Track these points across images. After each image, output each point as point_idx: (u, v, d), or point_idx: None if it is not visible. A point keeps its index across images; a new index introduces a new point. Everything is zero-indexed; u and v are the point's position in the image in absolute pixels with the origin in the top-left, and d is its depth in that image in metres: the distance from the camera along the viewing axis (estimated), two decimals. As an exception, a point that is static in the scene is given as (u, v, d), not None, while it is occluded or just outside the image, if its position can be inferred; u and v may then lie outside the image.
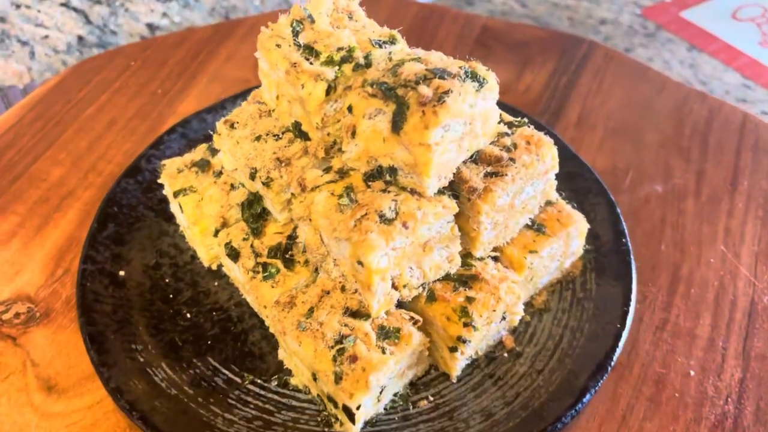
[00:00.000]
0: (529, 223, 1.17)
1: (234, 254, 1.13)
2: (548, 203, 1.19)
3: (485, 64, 1.01)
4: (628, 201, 1.45)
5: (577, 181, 1.37)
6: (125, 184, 1.36)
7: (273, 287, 1.08)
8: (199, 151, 1.28)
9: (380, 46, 1.07)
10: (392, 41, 1.08)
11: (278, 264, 1.10)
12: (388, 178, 1.01)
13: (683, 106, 1.67)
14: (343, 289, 1.05)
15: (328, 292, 1.05)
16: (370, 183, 1.02)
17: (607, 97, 1.70)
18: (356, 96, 0.99)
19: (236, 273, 1.15)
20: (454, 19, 1.92)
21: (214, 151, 1.26)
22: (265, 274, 1.09)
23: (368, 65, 1.05)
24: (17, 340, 1.21)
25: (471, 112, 0.99)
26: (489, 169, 1.05)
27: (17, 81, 1.93)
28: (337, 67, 1.03)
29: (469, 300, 1.06)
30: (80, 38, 2.11)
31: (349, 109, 1.00)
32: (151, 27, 2.11)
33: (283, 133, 1.12)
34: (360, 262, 0.97)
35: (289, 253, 1.11)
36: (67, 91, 1.69)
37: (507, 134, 1.10)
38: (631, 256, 1.24)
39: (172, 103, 1.68)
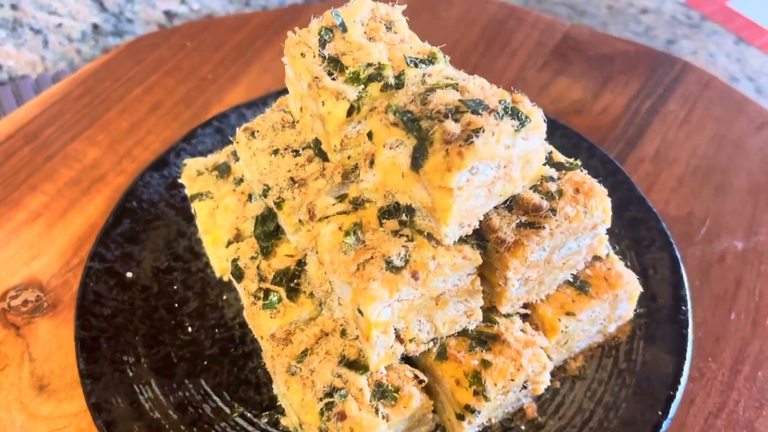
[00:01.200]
0: (571, 279, 1.01)
1: (238, 274, 1.04)
2: (596, 258, 1.03)
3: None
4: (700, 255, 1.27)
5: (639, 229, 1.20)
6: (149, 177, 1.29)
7: (272, 317, 0.99)
8: (224, 154, 1.20)
9: (416, 65, 0.94)
10: (431, 60, 0.95)
11: (281, 292, 1.01)
12: (404, 218, 0.89)
13: (784, 149, 1.45)
14: (343, 333, 0.94)
15: (327, 335, 0.95)
16: (383, 221, 0.90)
17: (694, 130, 1.49)
18: (377, 122, 0.87)
19: (240, 293, 1.06)
20: (533, 24, 1.74)
21: (238, 156, 1.17)
22: (266, 302, 1.00)
23: (399, 86, 0.92)
24: (20, 329, 1.17)
25: (507, 154, 0.85)
26: (524, 218, 0.91)
27: (30, 70, 1.90)
28: (362, 86, 0.91)
29: (485, 364, 0.93)
30: (95, 26, 2.06)
31: (369, 135, 0.88)
32: (168, 14, 2.03)
33: (303, 149, 1.01)
34: (360, 311, 0.86)
35: (295, 281, 1.01)
36: (117, 68, 1.65)
37: (552, 179, 0.95)
38: (690, 329, 1.07)
39: (221, 90, 1.61)
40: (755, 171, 1.40)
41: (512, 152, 0.85)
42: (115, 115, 1.55)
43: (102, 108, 1.56)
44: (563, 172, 0.97)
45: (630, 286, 1.02)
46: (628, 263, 1.13)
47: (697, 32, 2.30)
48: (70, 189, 1.39)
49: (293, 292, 1.00)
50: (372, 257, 0.85)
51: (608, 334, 1.09)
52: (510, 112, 0.84)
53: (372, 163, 0.89)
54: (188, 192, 1.16)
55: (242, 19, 1.80)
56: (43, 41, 1.96)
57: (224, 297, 1.17)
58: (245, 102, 1.44)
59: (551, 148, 1.01)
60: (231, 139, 1.34)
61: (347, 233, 0.89)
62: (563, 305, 1.00)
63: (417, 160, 0.83)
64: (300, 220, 0.98)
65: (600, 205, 0.94)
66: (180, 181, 1.19)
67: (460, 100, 0.84)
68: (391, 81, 0.92)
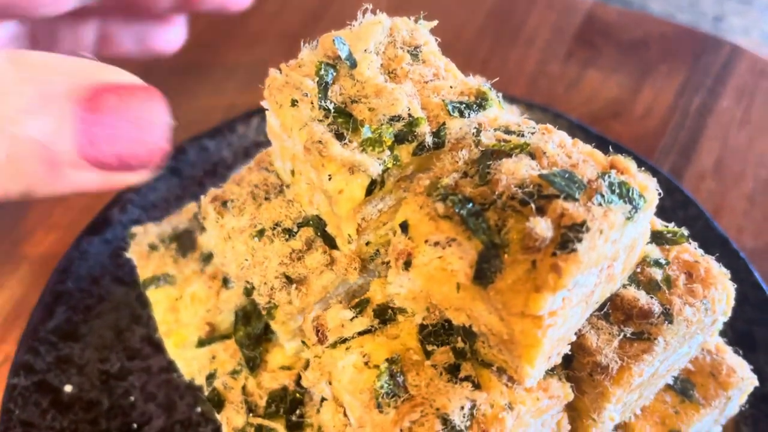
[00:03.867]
0: (670, 381, 0.75)
1: (217, 400, 0.76)
2: (700, 347, 0.77)
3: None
4: (791, 300, 1.02)
5: (727, 283, 0.94)
6: (87, 244, 0.98)
7: (270, 468, 0.71)
8: (185, 216, 0.89)
9: (461, 113, 0.64)
10: (481, 104, 0.65)
11: (280, 429, 0.73)
12: (460, 344, 0.61)
13: None
14: (376, 501, 0.67)
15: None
16: (429, 347, 0.62)
17: (757, 132, 1.23)
18: (416, 210, 0.58)
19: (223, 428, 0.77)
20: (549, 4, 1.44)
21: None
22: (260, 445, 0.72)
23: (438, 146, 0.63)
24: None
25: (614, 251, 0.58)
26: (629, 329, 0.64)
27: None
28: (387, 151, 0.61)
29: None
30: None
31: (404, 227, 0.59)
32: None
33: (299, 227, 0.72)
34: (408, 489, 0.58)
35: (298, 410, 0.73)
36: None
37: (659, 263, 0.68)
38: (814, 425, 0.82)
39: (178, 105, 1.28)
40: (839, 183, 1.16)
41: (618, 246, 0.58)
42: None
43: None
44: (666, 246, 0.70)
45: (745, 383, 0.77)
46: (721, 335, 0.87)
47: (749, 8, 2.00)
48: (-15, 255, 1.07)
49: (296, 429, 0.72)
50: (422, 415, 0.58)
51: (707, 435, 0.83)
52: (617, 190, 0.56)
53: (408, 264, 0.61)
54: (140, 274, 0.86)
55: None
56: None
57: (198, 409, 0.89)
58: (207, 130, 1.12)
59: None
60: (190, 183, 1.04)
61: (380, 374, 0.60)
62: (664, 420, 0.74)
63: (484, 272, 0.55)
64: (302, 341, 0.70)
65: (723, 296, 0.68)
66: (127, 255, 0.89)
67: (541, 176, 0.56)
68: (429, 140, 0.62)
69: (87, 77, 0.55)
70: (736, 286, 0.91)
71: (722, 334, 0.84)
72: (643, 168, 0.61)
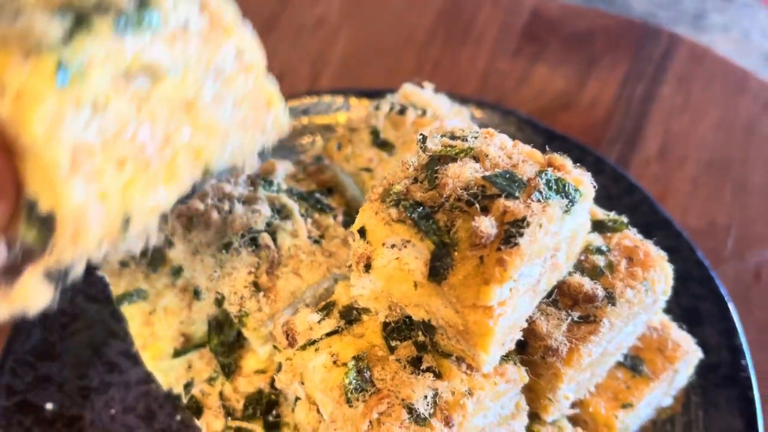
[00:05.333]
0: (620, 359, 0.81)
1: (196, 407, 0.79)
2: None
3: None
4: (734, 274, 1.09)
5: (672, 262, 1.00)
6: (58, 265, 1.00)
7: (251, 467, 0.75)
8: (153, 232, 0.92)
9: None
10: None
11: (258, 429, 0.76)
12: (421, 338, 0.66)
13: (800, 130, 1.28)
14: (352, 488, 0.71)
15: (331, 490, 0.71)
16: (392, 343, 0.66)
17: (697, 117, 1.30)
18: (372, 216, 0.62)
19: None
20: (495, 3, 1.49)
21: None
22: (240, 445, 0.75)
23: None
24: None
25: (555, 242, 0.62)
26: (576, 313, 0.69)
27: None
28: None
29: (538, 498, 0.72)
30: None
31: (362, 232, 0.64)
32: None
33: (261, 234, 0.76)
34: (378, 476, 0.62)
35: (275, 411, 0.77)
36: None
37: (600, 250, 0.73)
38: (755, 389, 0.88)
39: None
40: (774, 160, 1.23)
41: (559, 237, 0.63)
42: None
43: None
44: (608, 234, 0.75)
45: (690, 355, 0.83)
46: (667, 311, 0.93)
47: (729, 5, 2.07)
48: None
49: (274, 429, 0.76)
50: (389, 406, 0.62)
51: (658, 408, 0.89)
52: (554, 186, 0.61)
53: (368, 266, 0.65)
54: (113, 291, 0.89)
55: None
56: None
57: (177, 417, 0.92)
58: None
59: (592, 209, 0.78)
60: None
61: (348, 371, 0.64)
62: (617, 395, 0.80)
63: (437, 270, 0.59)
64: (274, 345, 0.73)
65: (662, 277, 0.73)
66: (99, 273, 0.92)
67: (484, 178, 0.60)
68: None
69: None
70: (680, 264, 0.97)
71: (669, 311, 0.90)
72: (578, 165, 0.66)
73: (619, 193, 1.07)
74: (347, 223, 0.81)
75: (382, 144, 0.84)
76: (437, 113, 0.86)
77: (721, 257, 1.11)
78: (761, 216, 1.16)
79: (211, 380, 0.81)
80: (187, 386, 0.82)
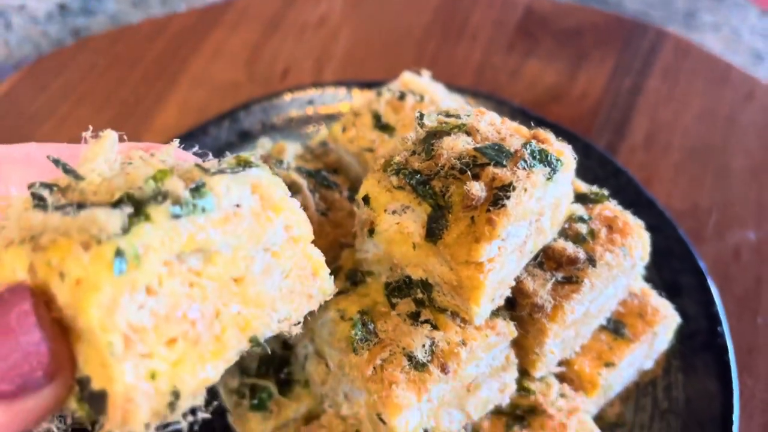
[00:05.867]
0: (604, 323, 0.88)
1: (213, 367, 0.86)
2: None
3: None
4: (714, 253, 1.16)
5: (655, 239, 1.07)
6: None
7: (265, 420, 0.82)
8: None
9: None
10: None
11: (270, 385, 0.83)
12: (419, 295, 0.73)
13: (778, 119, 1.35)
14: (357, 436, 0.78)
15: (337, 438, 0.78)
16: (394, 300, 0.73)
17: (681, 107, 1.37)
18: (375, 185, 0.69)
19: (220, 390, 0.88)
20: (490, 2, 1.57)
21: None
22: (254, 401, 0.82)
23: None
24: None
25: (539, 207, 0.69)
26: (560, 274, 0.76)
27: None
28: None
29: (527, 445, 0.79)
30: (62, 6, 1.80)
31: (366, 199, 0.71)
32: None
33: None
34: (382, 419, 0.69)
35: (286, 370, 0.84)
36: (17, 101, 1.39)
37: (582, 219, 0.80)
38: (730, 354, 0.95)
39: (149, 115, 1.38)
40: (753, 148, 1.30)
41: (543, 203, 0.70)
42: (25, 160, 1.30)
43: (7, 153, 1.31)
44: (590, 206, 0.82)
45: (669, 320, 0.90)
46: (651, 284, 1.00)
47: (719, 4, 2.14)
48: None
49: (286, 386, 0.83)
50: (390, 355, 0.69)
51: (641, 370, 0.96)
52: (538, 156, 0.68)
53: (372, 231, 0.72)
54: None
55: (157, 26, 1.55)
56: (5, 24, 1.70)
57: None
58: (185, 131, 1.22)
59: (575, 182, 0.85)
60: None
61: (354, 324, 0.71)
62: (600, 355, 0.87)
63: (433, 231, 0.66)
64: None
65: (639, 243, 0.80)
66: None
67: (475, 149, 0.68)
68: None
69: None
70: (662, 241, 1.04)
71: (654, 285, 0.97)
72: (561, 138, 0.73)
73: (605, 176, 1.14)
74: (352, 198, 0.88)
75: (384, 127, 0.91)
76: (434, 99, 0.93)
77: (702, 237, 1.18)
78: (740, 199, 1.23)
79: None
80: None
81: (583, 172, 0.93)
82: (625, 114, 1.36)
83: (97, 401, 0.47)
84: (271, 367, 0.84)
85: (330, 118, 1.22)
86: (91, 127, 0.53)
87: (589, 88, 1.41)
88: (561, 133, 1.18)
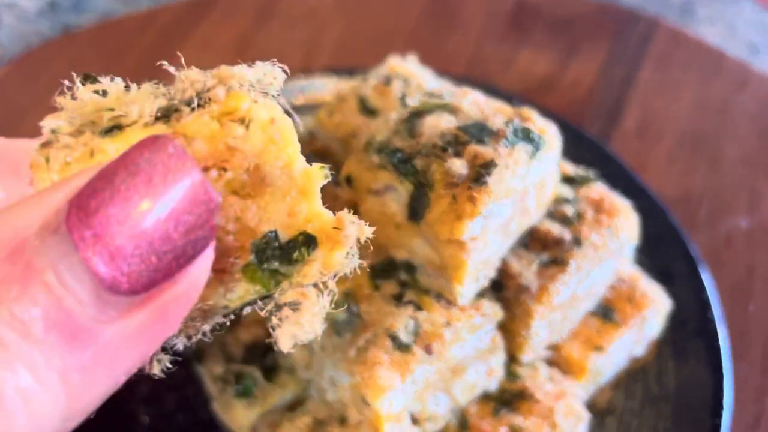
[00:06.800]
0: (592, 308, 0.87)
1: (197, 353, 0.85)
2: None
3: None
4: (706, 241, 1.15)
5: (646, 225, 1.06)
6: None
7: (249, 406, 0.81)
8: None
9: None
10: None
11: (256, 373, 0.82)
12: (403, 277, 0.72)
13: (771, 108, 1.34)
14: (342, 421, 0.77)
15: (322, 423, 0.78)
16: (378, 282, 0.73)
17: (674, 97, 1.36)
18: (357, 165, 0.69)
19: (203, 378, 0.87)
20: (482, -8, 1.56)
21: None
22: (239, 386, 0.81)
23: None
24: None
25: (522, 186, 0.69)
26: (545, 256, 0.75)
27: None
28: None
29: (515, 430, 0.78)
30: (52, 4, 1.79)
31: (348, 180, 0.70)
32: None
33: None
34: (365, 400, 0.69)
35: (271, 356, 0.83)
36: (6, 94, 1.38)
37: (568, 200, 0.79)
38: (722, 341, 0.94)
39: (137, 106, 1.37)
40: (745, 136, 1.29)
41: (527, 181, 0.69)
42: (13, 153, 1.29)
43: (-5, 146, 1.30)
44: (577, 187, 0.82)
45: (658, 305, 0.89)
46: (643, 270, 0.99)
47: None
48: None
49: (270, 372, 0.82)
50: (374, 335, 0.68)
51: (631, 357, 0.95)
52: (521, 134, 0.67)
53: (355, 213, 0.71)
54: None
55: (146, 17, 1.54)
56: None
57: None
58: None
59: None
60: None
61: (336, 305, 0.70)
62: (589, 339, 0.86)
63: (416, 210, 0.66)
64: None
65: (626, 224, 0.80)
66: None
67: (458, 128, 0.67)
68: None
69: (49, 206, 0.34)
70: (653, 227, 1.03)
71: (646, 272, 0.97)
72: (547, 116, 0.72)
73: (597, 163, 1.13)
74: (336, 183, 0.87)
75: (370, 111, 0.90)
76: (421, 83, 0.92)
77: (694, 225, 1.17)
78: (732, 187, 1.22)
79: (212, 331, 0.87)
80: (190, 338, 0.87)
81: (574, 160, 0.92)
82: (617, 103, 1.36)
83: (290, 252, 0.43)
84: (256, 353, 0.83)
85: (319, 107, 1.21)
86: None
87: (582, 77, 1.40)
88: (553, 121, 1.19)
